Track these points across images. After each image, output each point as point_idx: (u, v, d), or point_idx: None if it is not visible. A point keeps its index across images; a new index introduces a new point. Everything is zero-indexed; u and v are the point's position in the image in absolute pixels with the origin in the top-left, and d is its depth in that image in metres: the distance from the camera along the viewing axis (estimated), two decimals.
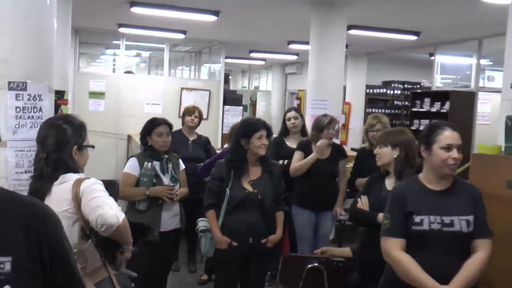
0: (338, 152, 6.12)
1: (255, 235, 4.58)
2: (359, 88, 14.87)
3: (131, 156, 5.12)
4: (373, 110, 14.92)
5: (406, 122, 12.84)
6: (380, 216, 3.77)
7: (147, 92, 12.60)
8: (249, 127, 4.60)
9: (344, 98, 14.02)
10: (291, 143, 6.42)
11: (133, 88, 12.56)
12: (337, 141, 6.68)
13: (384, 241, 3.30)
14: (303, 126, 6.59)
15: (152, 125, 5.02)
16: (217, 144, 11.77)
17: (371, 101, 15.47)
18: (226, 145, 6.46)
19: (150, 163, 4.88)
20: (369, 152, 5.52)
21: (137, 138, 8.32)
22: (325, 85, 8.58)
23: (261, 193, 4.55)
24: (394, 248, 3.25)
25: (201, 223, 4.74)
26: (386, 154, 4.15)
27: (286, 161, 6.14)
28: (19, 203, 1.85)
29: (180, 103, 12.50)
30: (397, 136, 4.18)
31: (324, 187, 5.99)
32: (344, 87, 13.66)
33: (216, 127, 12.95)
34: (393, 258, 3.26)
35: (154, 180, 4.86)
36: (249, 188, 4.56)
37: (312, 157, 5.88)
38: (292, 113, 6.56)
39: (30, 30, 3.90)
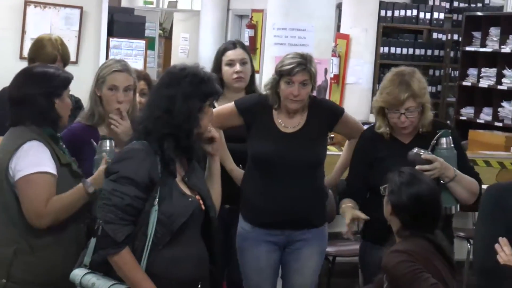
0: (322, 111, 4.71)
1: (204, 278, 3.75)
2: (366, 9, 12.19)
3: (22, 141, 3.81)
4: (392, 49, 12.47)
5: (454, 72, 11.79)
6: None
7: None
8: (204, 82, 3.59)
9: (339, 28, 12.05)
10: None
11: None
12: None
13: None
14: (252, 77, 5.18)
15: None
16: None
17: (389, 32, 12.94)
18: None
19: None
20: (383, 139, 4.41)
21: None
22: (303, 1, 7.39)
23: (204, 198, 3.83)
24: None
25: (88, 277, 3.50)
26: None
27: None
28: None
29: (23, 31, 9.84)
30: None
31: (295, 187, 4.57)
32: (339, 6, 11.57)
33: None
34: None
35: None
36: (187, 191, 3.66)
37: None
38: (237, 53, 5.09)
39: None
